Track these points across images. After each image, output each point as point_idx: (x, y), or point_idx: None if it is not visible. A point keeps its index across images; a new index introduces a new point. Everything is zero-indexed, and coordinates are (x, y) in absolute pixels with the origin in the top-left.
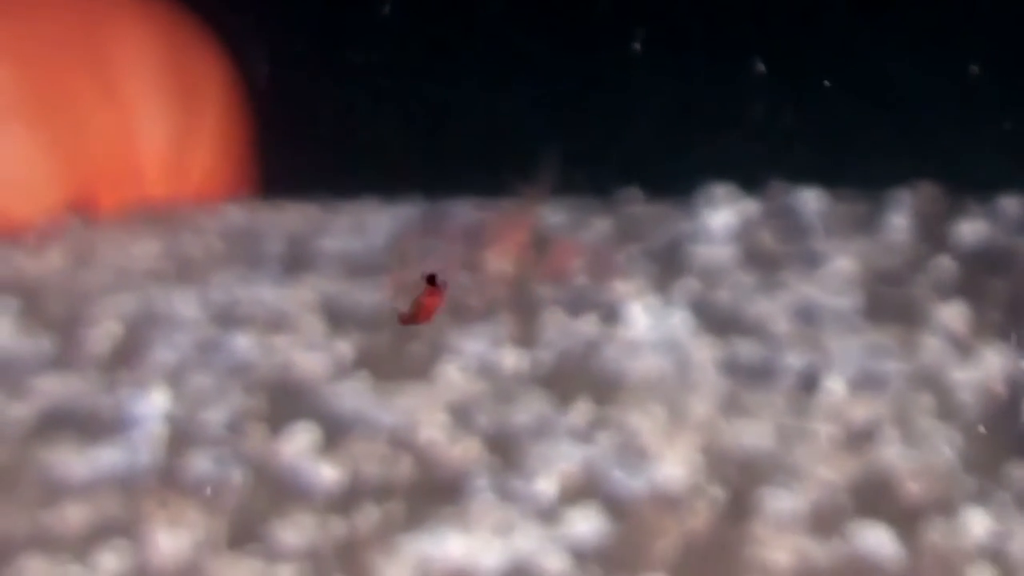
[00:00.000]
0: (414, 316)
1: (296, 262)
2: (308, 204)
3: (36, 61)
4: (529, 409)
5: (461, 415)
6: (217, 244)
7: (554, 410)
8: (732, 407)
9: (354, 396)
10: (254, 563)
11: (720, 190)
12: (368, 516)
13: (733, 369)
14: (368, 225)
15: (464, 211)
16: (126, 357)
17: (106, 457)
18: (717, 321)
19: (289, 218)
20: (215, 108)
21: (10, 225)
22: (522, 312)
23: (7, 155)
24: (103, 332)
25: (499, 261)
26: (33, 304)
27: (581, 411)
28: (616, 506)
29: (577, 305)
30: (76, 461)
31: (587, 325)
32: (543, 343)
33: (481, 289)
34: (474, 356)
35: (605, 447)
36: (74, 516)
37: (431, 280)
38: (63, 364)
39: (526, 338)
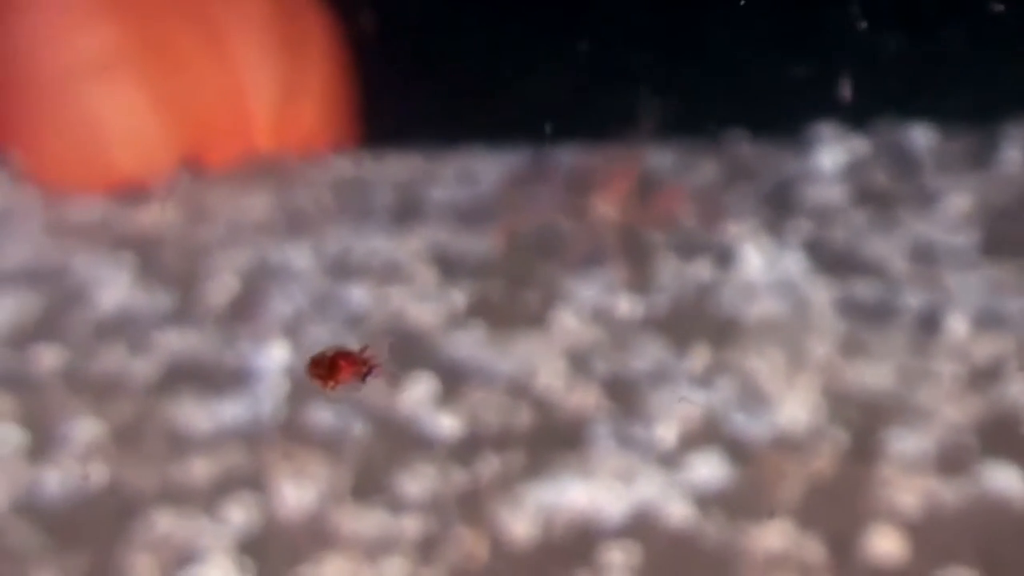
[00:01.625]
0: (325, 376)
1: (405, 212)
2: (413, 154)
3: (147, 20)
4: (646, 355)
5: (578, 362)
6: (326, 196)
7: (671, 355)
8: (852, 348)
9: (470, 345)
10: (378, 513)
11: (829, 129)
12: (489, 465)
13: (851, 310)
14: (475, 174)
15: (570, 157)
16: (244, 310)
17: (229, 410)
18: (832, 261)
19: (395, 169)
20: (321, 60)
21: (124, 182)
22: (633, 257)
23: (120, 113)
24: (220, 286)
25: (605, 206)
26: (150, 259)
27: (699, 355)
28: (738, 450)
29: (688, 249)
30: (200, 415)
31: (700, 269)
32: (656, 288)
33: (589, 235)
34: (588, 302)
35: (725, 391)
36: (200, 469)
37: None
38: (183, 318)
39: (639, 283)
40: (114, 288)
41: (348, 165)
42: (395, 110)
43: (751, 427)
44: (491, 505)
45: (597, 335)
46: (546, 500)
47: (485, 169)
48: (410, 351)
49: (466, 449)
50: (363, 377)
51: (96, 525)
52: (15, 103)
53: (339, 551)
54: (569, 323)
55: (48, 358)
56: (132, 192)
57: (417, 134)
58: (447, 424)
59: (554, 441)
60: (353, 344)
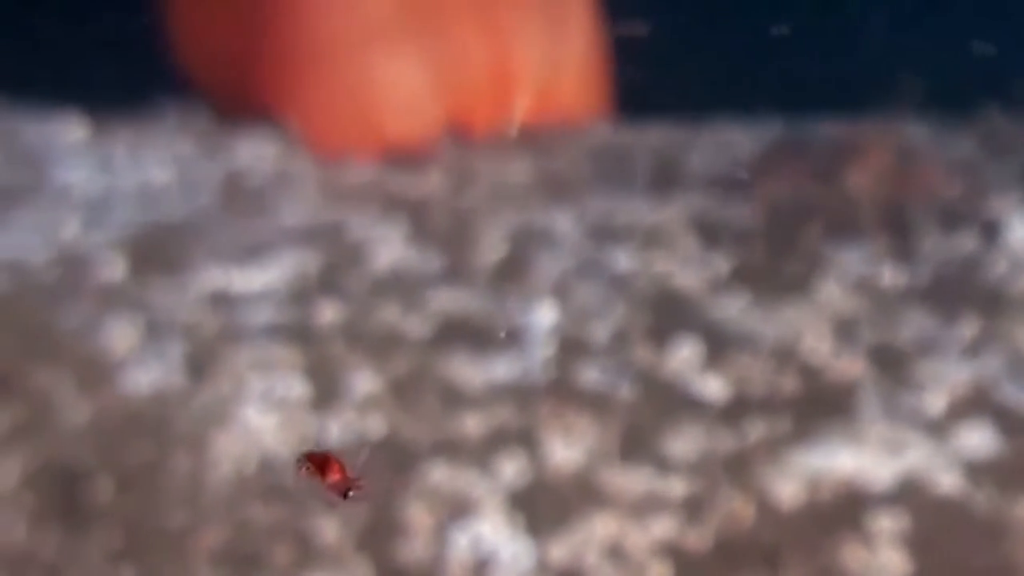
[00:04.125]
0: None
1: (664, 180)
2: (668, 124)
3: None
4: (912, 324)
5: (843, 330)
6: (586, 163)
7: (939, 325)
8: None
9: (734, 310)
10: (645, 473)
11: None
12: (755, 428)
13: None
14: (731, 144)
15: (825, 130)
16: (512, 271)
17: (500, 367)
18: None
19: (652, 138)
20: (581, 30)
21: (395, 147)
22: (894, 228)
23: (393, 80)
24: (489, 248)
25: (862, 178)
26: (421, 221)
27: (967, 326)
28: (1008, 420)
29: (951, 221)
30: (472, 371)
31: (964, 240)
32: (919, 259)
33: (847, 206)
34: (850, 271)
35: (994, 361)
36: (473, 424)
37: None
38: (454, 278)
39: (902, 254)
40: (388, 248)
41: (606, 134)
42: (649, 80)
43: (1022, 397)
44: (758, 468)
45: (861, 304)
46: (813, 465)
47: (740, 140)
48: (675, 314)
49: (732, 412)
50: (345, 492)
51: (374, 474)
52: (293, 71)
53: (607, 508)
54: (833, 291)
55: (328, 312)
56: (402, 157)
57: (671, 105)
58: (713, 387)
59: (821, 407)
60: (618, 307)
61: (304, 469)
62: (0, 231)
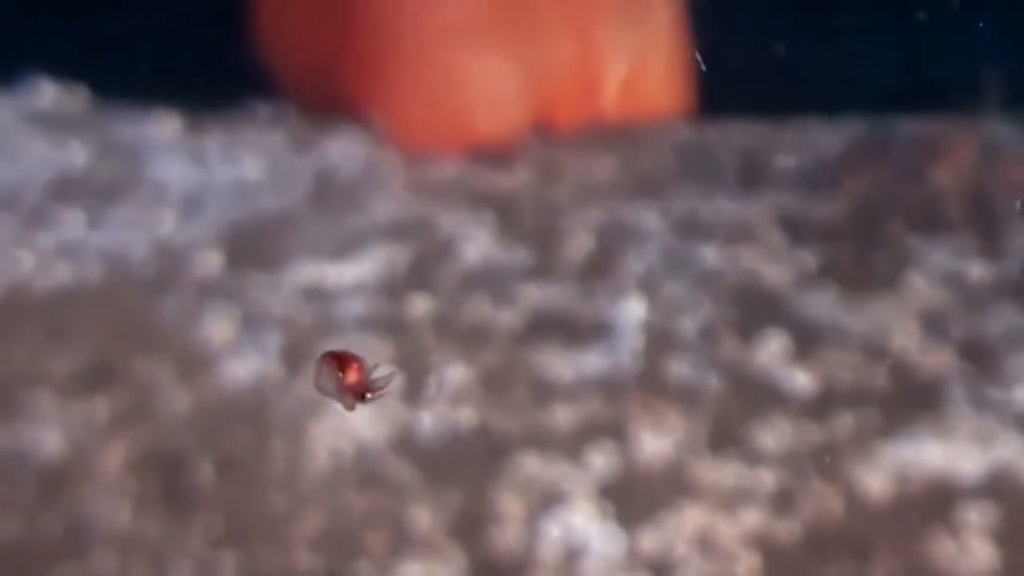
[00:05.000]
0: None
1: (749, 177)
2: (752, 122)
3: None
4: (1001, 319)
5: (932, 324)
6: (671, 160)
7: None
8: None
9: (822, 305)
10: (734, 465)
11: None
12: (844, 422)
13: None
14: (815, 142)
15: (909, 127)
16: (600, 266)
17: (590, 361)
18: None
19: (736, 135)
20: (666, 28)
21: (480, 144)
22: (980, 224)
23: (480, 78)
24: (576, 243)
25: (947, 175)
26: (508, 217)
27: None
28: None
29: None
30: (562, 364)
31: None
32: (1007, 253)
33: (933, 202)
34: (938, 267)
35: None
36: (563, 416)
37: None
38: (542, 273)
39: (989, 249)
40: (476, 243)
41: (690, 131)
42: (732, 78)
43: None
44: (847, 461)
45: (949, 298)
46: (902, 458)
47: (824, 138)
48: (763, 309)
49: (821, 405)
50: (361, 395)
51: (467, 465)
52: (381, 69)
53: (696, 500)
54: (920, 286)
55: (419, 306)
56: (488, 154)
57: (754, 103)
58: (801, 381)
59: (909, 401)
60: (706, 302)
61: (324, 366)
62: (100, 226)
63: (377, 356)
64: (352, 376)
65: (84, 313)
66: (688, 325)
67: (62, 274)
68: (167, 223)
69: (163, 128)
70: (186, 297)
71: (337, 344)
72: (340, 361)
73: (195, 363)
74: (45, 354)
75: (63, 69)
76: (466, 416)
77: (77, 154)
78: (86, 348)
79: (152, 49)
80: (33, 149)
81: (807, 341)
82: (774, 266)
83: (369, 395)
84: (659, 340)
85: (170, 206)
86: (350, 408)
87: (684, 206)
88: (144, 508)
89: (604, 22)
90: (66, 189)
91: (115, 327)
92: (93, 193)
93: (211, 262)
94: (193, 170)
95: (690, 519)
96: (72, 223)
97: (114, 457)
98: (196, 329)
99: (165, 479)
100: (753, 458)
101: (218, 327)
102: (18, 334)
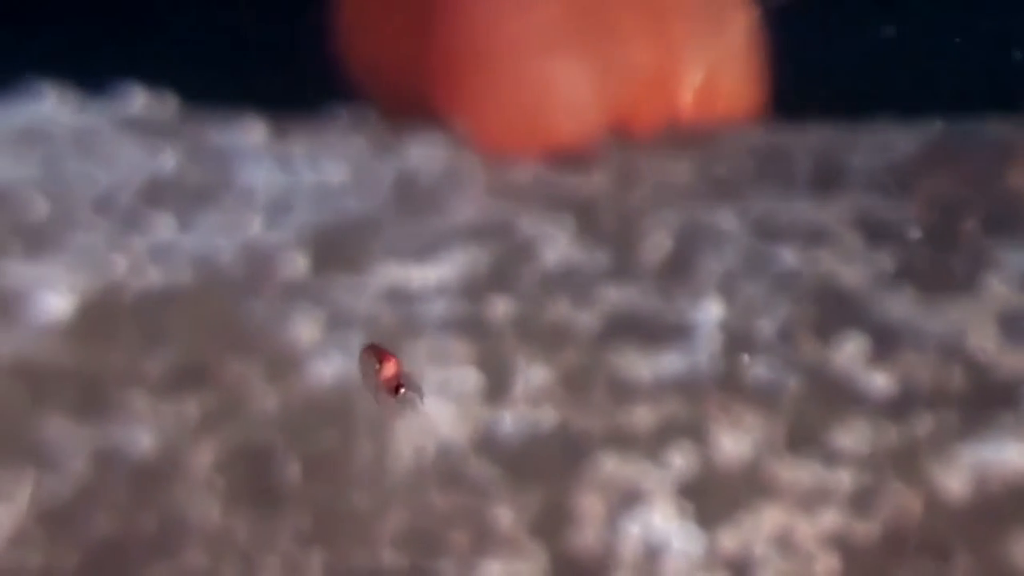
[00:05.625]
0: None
1: (825, 179)
2: (827, 124)
3: None
4: None
5: (1010, 326)
6: (747, 163)
7: None
8: None
9: (899, 307)
10: (813, 466)
11: None
12: (923, 423)
13: None
14: (892, 143)
15: (985, 130)
16: (678, 268)
17: (668, 361)
18: None
19: (812, 138)
20: (742, 31)
21: (559, 147)
22: None
23: (559, 82)
24: (655, 245)
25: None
26: (587, 219)
27: None
28: None
29: None
30: (641, 365)
31: None
32: None
33: (1010, 205)
34: (1016, 269)
35: None
36: (643, 416)
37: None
38: (621, 274)
39: None
40: (556, 245)
41: (766, 134)
42: (807, 80)
43: None
44: (925, 462)
45: None
46: (981, 459)
47: (901, 139)
48: (840, 311)
49: (899, 407)
50: (396, 389)
51: (547, 464)
52: (461, 75)
53: (775, 500)
54: (998, 288)
55: (500, 307)
56: (567, 157)
57: (830, 105)
58: (879, 382)
59: (988, 402)
60: (784, 303)
61: (365, 357)
62: (190, 229)
63: (458, 357)
64: (388, 370)
65: (176, 314)
66: (766, 326)
67: (154, 276)
68: (254, 226)
69: (250, 134)
70: (273, 299)
71: (419, 345)
72: (378, 355)
73: (282, 363)
74: (139, 355)
75: (153, 76)
76: (546, 416)
77: (167, 159)
78: (178, 349)
79: (237, 56)
80: (125, 154)
81: (885, 342)
82: (851, 267)
83: (403, 390)
84: (737, 341)
85: (257, 210)
86: (383, 403)
87: (761, 208)
88: (234, 506)
89: (681, 26)
90: (157, 193)
91: (205, 328)
92: (183, 197)
93: (297, 264)
94: (279, 174)
95: (769, 519)
96: (163, 226)
97: (205, 456)
98: (283, 330)
99: (254, 477)
100: (831, 459)
101: (304, 328)
102: (113, 335)
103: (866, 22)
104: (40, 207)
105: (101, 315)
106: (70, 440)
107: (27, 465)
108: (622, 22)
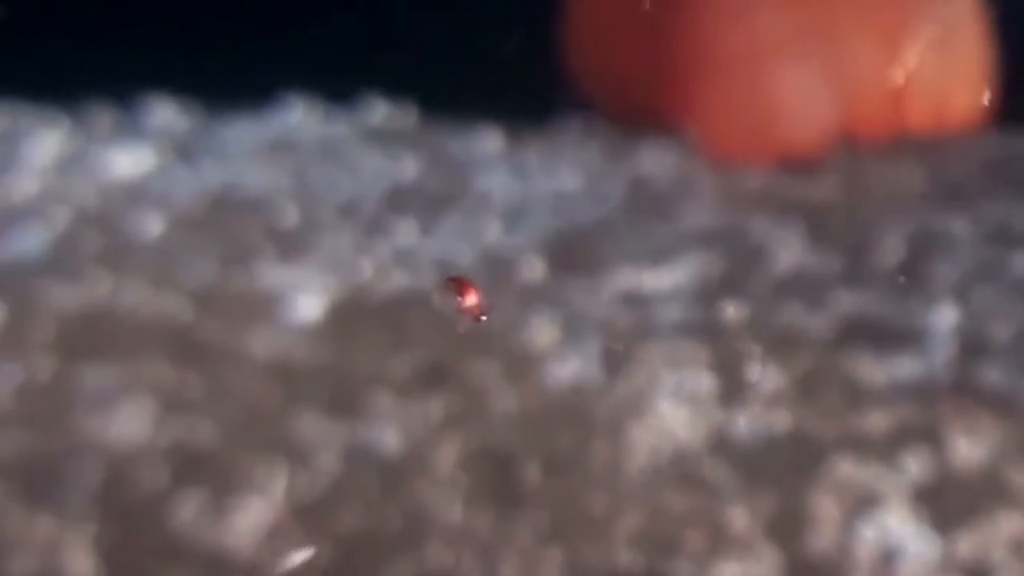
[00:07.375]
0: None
1: None
2: None
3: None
4: None
5: None
6: (979, 170)
7: None
8: None
9: None
10: None
11: None
12: None
13: None
14: None
15: None
16: (911, 273)
17: (903, 366)
18: None
19: None
20: (972, 36)
21: (789, 153)
22: None
23: (789, 90)
24: (887, 250)
25: None
26: (818, 225)
27: None
28: None
29: None
30: (875, 369)
31: None
32: None
33: None
34: None
35: None
36: (877, 420)
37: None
38: (854, 279)
39: None
40: (788, 250)
41: (995, 140)
42: None
43: None
44: None
45: None
46: None
47: None
48: None
49: None
50: (478, 316)
51: (782, 467)
52: (693, 84)
53: (1012, 506)
54: None
55: (732, 311)
56: (796, 163)
57: None
58: None
59: None
60: (1019, 309)
61: (446, 289)
62: (431, 234)
63: (692, 360)
64: (470, 299)
65: (419, 317)
66: (1001, 331)
67: (398, 279)
68: (493, 232)
69: (487, 142)
70: (512, 302)
71: (653, 348)
72: (460, 286)
73: (521, 365)
74: (384, 356)
75: (395, 88)
76: (781, 419)
77: (409, 167)
78: (422, 350)
79: (475, 68)
80: (369, 163)
81: None
82: None
83: (484, 317)
84: (972, 346)
85: (495, 216)
86: (465, 327)
87: (994, 215)
88: (475, 503)
89: (911, 34)
90: (399, 200)
91: (447, 330)
92: (424, 203)
93: (535, 268)
94: (515, 181)
95: (1006, 525)
96: (406, 231)
97: (448, 454)
98: (522, 332)
99: (495, 476)
100: None
101: (542, 331)
102: (360, 337)
103: None
104: (291, 213)
105: (349, 316)
106: (321, 437)
107: (281, 460)
108: (850, 29)
